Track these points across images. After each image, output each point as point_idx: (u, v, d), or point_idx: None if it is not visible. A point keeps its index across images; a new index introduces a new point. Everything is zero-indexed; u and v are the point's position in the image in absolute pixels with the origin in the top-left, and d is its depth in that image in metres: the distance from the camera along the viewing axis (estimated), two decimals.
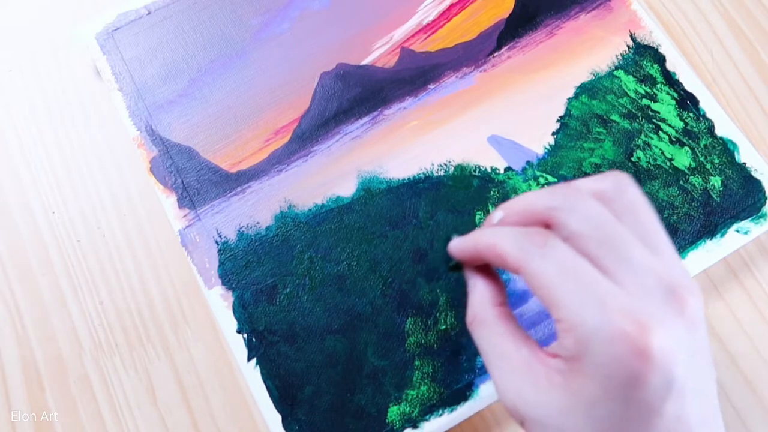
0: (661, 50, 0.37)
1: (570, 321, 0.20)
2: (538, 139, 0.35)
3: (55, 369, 0.32)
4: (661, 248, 0.22)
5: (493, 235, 0.23)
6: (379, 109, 0.36)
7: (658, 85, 0.36)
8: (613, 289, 0.20)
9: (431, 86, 0.36)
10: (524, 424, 0.22)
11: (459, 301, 0.32)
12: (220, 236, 0.33)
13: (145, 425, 0.31)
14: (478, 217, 0.33)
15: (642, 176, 0.34)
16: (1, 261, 0.33)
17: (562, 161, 0.34)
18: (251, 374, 0.30)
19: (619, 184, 0.23)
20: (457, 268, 0.27)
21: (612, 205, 0.23)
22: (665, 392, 0.19)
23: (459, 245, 0.25)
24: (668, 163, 0.34)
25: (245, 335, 0.31)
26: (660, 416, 0.20)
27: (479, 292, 0.25)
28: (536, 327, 0.32)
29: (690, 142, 0.35)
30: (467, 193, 0.34)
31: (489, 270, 0.26)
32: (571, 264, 0.21)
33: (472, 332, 0.24)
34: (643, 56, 0.37)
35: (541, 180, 0.34)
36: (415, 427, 0.30)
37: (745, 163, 0.34)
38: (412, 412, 0.30)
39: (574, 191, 0.23)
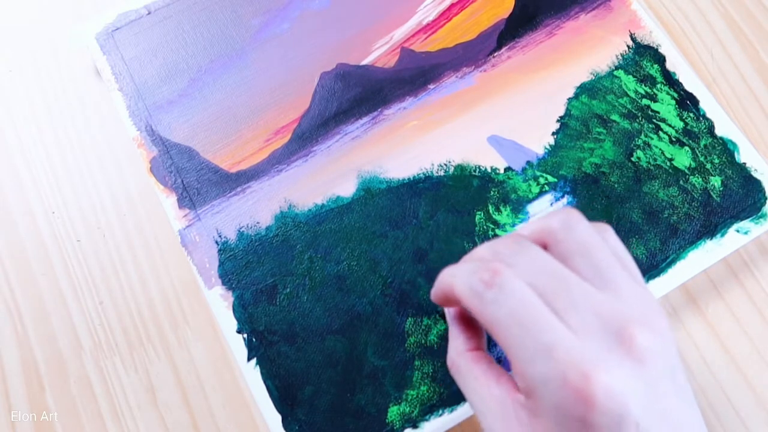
0: (661, 50, 0.37)
1: (520, 368, 0.21)
2: (538, 139, 0.35)
3: (55, 369, 0.32)
4: (614, 284, 0.22)
5: (451, 275, 0.24)
6: (379, 109, 0.36)
7: (658, 85, 0.36)
8: (560, 335, 0.21)
9: (431, 86, 0.36)
10: None
11: None
12: (220, 236, 0.33)
13: (145, 425, 0.31)
14: (478, 217, 0.33)
15: (642, 176, 0.34)
16: (1, 261, 0.33)
17: (562, 161, 0.34)
18: (251, 374, 0.30)
19: (568, 223, 0.23)
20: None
21: (560, 247, 0.23)
22: (617, 429, 0.20)
23: (434, 291, 0.26)
24: (668, 163, 0.34)
25: (245, 335, 0.31)
26: None
27: (454, 339, 0.26)
28: None
29: (690, 142, 0.35)
30: (467, 193, 0.34)
31: (465, 318, 0.26)
32: (519, 308, 0.21)
33: (453, 377, 0.25)
34: (643, 56, 0.37)
35: (541, 180, 0.34)
36: (415, 427, 0.30)
37: (745, 163, 0.34)
38: (412, 412, 0.30)
39: (517, 243, 0.23)
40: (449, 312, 0.27)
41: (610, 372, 0.20)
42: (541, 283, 0.22)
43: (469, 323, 0.26)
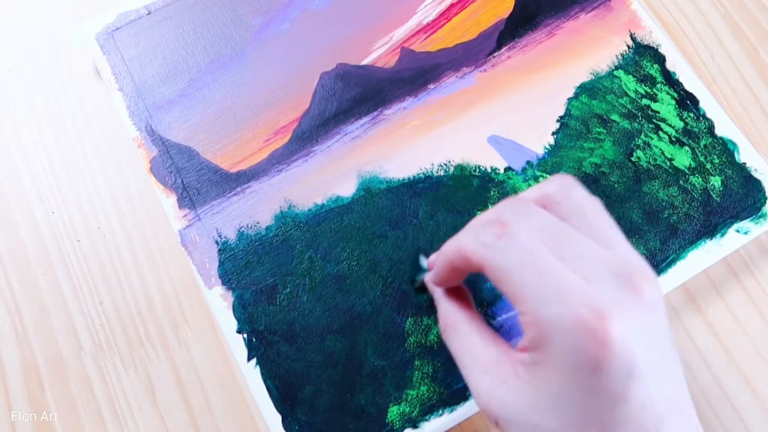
0: (661, 50, 0.37)
1: (532, 313, 0.21)
2: (538, 139, 0.35)
3: (55, 369, 0.32)
4: (612, 241, 0.23)
5: (456, 240, 0.24)
6: (379, 109, 0.36)
7: (658, 85, 0.36)
8: (573, 280, 0.21)
9: (431, 86, 0.36)
10: (498, 423, 0.22)
11: None
12: (220, 236, 0.33)
13: (145, 425, 0.31)
14: None
15: (642, 176, 0.34)
16: (1, 261, 0.33)
17: (562, 161, 0.34)
18: (251, 374, 0.30)
19: (564, 186, 0.24)
20: (422, 289, 0.28)
21: (559, 209, 0.24)
22: (626, 378, 0.20)
23: (435, 271, 0.26)
24: (668, 163, 0.34)
25: (245, 335, 0.31)
26: (625, 402, 0.20)
27: (446, 302, 0.26)
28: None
29: (690, 142, 0.35)
30: (467, 193, 0.34)
31: (455, 287, 0.27)
32: (530, 255, 0.21)
33: (446, 341, 0.26)
34: (643, 56, 0.37)
35: (541, 180, 0.34)
36: (415, 427, 0.30)
37: (745, 163, 0.34)
38: (412, 412, 0.30)
39: (520, 203, 0.24)
40: (438, 291, 0.27)
41: (624, 316, 0.20)
42: (548, 237, 0.22)
43: (461, 290, 0.27)
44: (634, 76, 0.36)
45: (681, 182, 0.34)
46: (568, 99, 0.36)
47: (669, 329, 0.22)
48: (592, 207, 0.24)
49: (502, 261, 0.22)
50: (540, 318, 0.21)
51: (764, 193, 0.34)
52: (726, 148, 0.35)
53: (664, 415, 0.20)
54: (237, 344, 0.31)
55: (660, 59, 0.37)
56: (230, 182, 0.34)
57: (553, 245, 0.22)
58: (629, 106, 0.36)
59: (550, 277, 0.21)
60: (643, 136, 0.35)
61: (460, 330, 0.25)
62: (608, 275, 0.21)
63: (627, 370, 0.20)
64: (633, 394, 0.20)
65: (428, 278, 0.28)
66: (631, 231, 0.33)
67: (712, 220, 0.33)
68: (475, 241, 0.23)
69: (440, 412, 0.30)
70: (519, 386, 0.22)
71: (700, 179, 0.34)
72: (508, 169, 0.34)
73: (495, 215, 0.23)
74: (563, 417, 0.20)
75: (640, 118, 0.35)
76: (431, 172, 0.34)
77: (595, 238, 0.22)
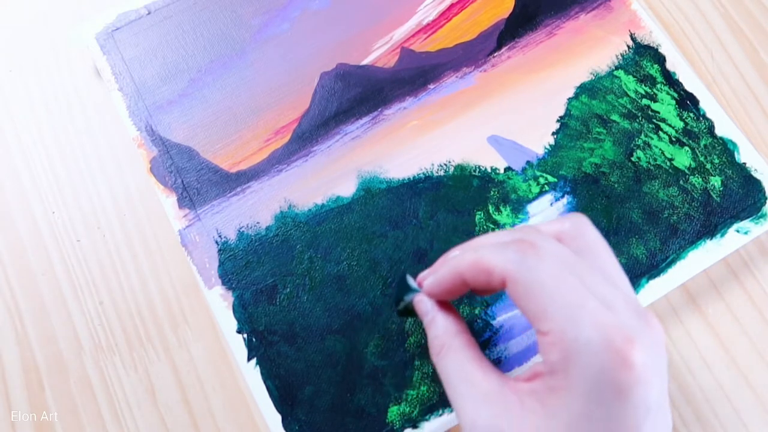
0: (661, 50, 0.37)
1: (559, 333, 0.20)
2: (538, 139, 0.35)
3: (55, 369, 0.32)
4: (620, 283, 0.23)
5: (474, 251, 0.23)
6: (379, 109, 0.36)
7: (658, 85, 0.36)
8: (601, 305, 0.21)
9: (431, 86, 0.36)
10: None
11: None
12: (220, 236, 0.33)
13: (145, 425, 0.31)
14: (478, 217, 0.33)
15: (642, 176, 0.34)
16: (1, 261, 0.33)
17: (562, 161, 0.34)
18: (251, 374, 0.30)
19: (579, 225, 0.24)
20: (406, 311, 0.27)
21: (572, 244, 0.24)
22: (645, 411, 0.20)
23: (435, 279, 0.25)
24: (668, 163, 0.34)
25: (245, 335, 0.31)
26: None
27: (441, 323, 0.25)
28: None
29: (690, 142, 0.35)
30: (467, 193, 0.34)
31: (446, 305, 0.26)
32: (560, 274, 0.21)
33: (438, 363, 0.24)
34: (643, 56, 0.37)
35: (541, 180, 0.34)
36: (415, 427, 0.30)
37: (745, 163, 0.34)
38: (412, 412, 0.30)
39: (537, 232, 0.24)
40: (425, 298, 0.26)
41: (645, 344, 0.20)
42: (569, 266, 0.22)
43: (452, 308, 0.26)
44: (634, 76, 0.36)
45: (681, 182, 0.34)
46: (568, 99, 0.36)
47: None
48: (604, 248, 0.24)
49: (530, 277, 0.21)
50: (567, 338, 0.20)
51: (764, 193, 0.34)
52: (726, 148, 0.35)
53: None
54: (237, 344, 0.31)
55: (660, 59, 0.37)
56: (230, 182, 0.34)
57: (579, 272, 0.22)
58: (629, 106, 0.36)
59: (580, 299, 0.21)
60: (643, 136, 0.35)
61: (456, 354, 0.24)
62: (629, 311, 0.21)
63: (646, 402, 0.20)
64: (646, 428, 0.20)
65: (419, 298, 0.26)
66: (631, 231, 0.33)
67: (712, 220, 0.33)
68: (501, 255, 0.22)
69: (440, 412, 0.30)
70: (525, 416, 0.21)
71: (700, 179, 0.34)
72: (508, 169, 0.34)
73: (519, 235, 0.23)
74: None
75: (640, 118, 0.35)
76: (431, 172, 0.34)
77: (605, 278, 0.22)
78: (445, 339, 0.24)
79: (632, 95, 0.36)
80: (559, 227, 0.24)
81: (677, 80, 0.36)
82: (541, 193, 0.34)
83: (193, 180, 0.34)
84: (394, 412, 0.30)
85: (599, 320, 0.20)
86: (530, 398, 0.21)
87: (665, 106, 0.36)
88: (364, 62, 0.36)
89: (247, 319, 0.31)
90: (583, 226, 0.24)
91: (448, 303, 0.26)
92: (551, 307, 0.21)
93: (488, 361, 0.24)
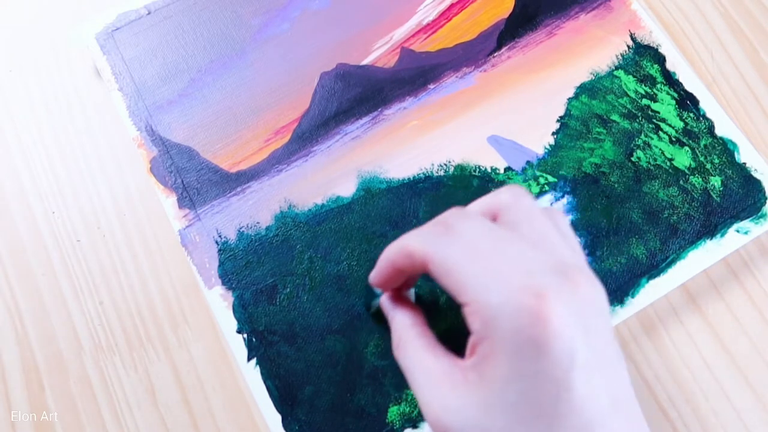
0: (661, 50, 0.37)
1: (475, 302, 0.21)
2: (538, 139, 0.35)
3: (55, 369, 0.32)
4: (554, 247, 0.23)
5: (400, 240, 0.25)
6: (379, 109, 0.36)
7: (658, 85, 0.36)
8: (515, 269, 0.21)
9: (431, 86, 0.36)
10: None
11: None
12: (220, 236, 0.33)
13: (145, 425, 0.31)
14: None
15: (642, 176, 0.34)
16: (1, 261, 0.33)
17: (562, 161, 0.34)
18: (251, 374, 0.30)
19: (516, 195, 0.25)
20: (377, 316, 0.28)
21: (509, 215, 0.24)
22: (569, 363, 0.20)
23: (375, 271, 0.27)
24: (668, 163, 0.34)
25: (245, 335, 0.31)
26: (569, 391, 0.20)
27: (398, 319, 0.26)
28: None
29: (690, 142, 0.35)
30: (467, 193, 0.34)
31: (403, 300, 0.27)
32: (473, 247, 0.22)
33: (397, 357, 0.25)
34: (643, 56, 0.37)
35: (541, 180, 0.34)
36: (415, 427, 0.30)
37: (745, 163, 0.34)
38: (412, 412, 0.30)
39: (462, 210, 0.25)
40: (385, 298, 0.28)
41: (561, 301, 0.21)
42: (488, 238, 0.23)
43: (410, 304, 0.27)
44: (634, 76, 0.36)
45: (681, 182, 0.34)
46: (568, 99, 0.36)
47: (610, 329, 0.22)
48: (540, 215, 0.24)
49: (445, 255, 0.22)
50: (483, 305, 0.21)
51: (764, 193, 0.34)
52: (726, 148, 0.35)
53: (608, 411, 0.20)
54: (237, 344, 0.31)
55: (660, 59, 0.37)
56: (230, 182, 0.34)
57: (493, 245, 0.22)
58: (629, 106, 0.36)
59: (492, 266, 0.22)
60: (643, 136, 0.35)
61: (410, 346, 0.25)
62: (546, 270, 0.22)
63: (569, 354, 0.20)
64: (576, 383, 0.20)
65: (382, 299, 0.28)
66: (631, 231, 0.33)
67: (712, 220, 0.33)
68: (419, 238, 0.24)
69: None
70: (468, 391, 0.22)
71: (700, 179, 0.34)
72: (508, 169, 0.34)
73: (439, 218, 0.24)
74: (511, 414, 0.21)
75: (640, 118, 0.35)
76: (431, 172, 0.34)
77: (539, 244, 0.23)
78: (401, 333, 0.26)
79: (632, 95, 0.36)
80: (496, 199, 0.25)
81: (677, 80, 0.36)
82: (541, 193, 0.34)
83: (193, 180, 0.34)
84: (394, 412, 0.30)
85: (511, 282, 0.21)
86: (472, 372, 0.22)
87: (665, 106, 0.36)
88: (364, 62, 0.36)
89: (247, 319, 0.31)
90: (518, 196, 0.25)
91: (404, 298, 0.28)
92: (466, 279, 0.22)
93: (441, 347, 0.24)
